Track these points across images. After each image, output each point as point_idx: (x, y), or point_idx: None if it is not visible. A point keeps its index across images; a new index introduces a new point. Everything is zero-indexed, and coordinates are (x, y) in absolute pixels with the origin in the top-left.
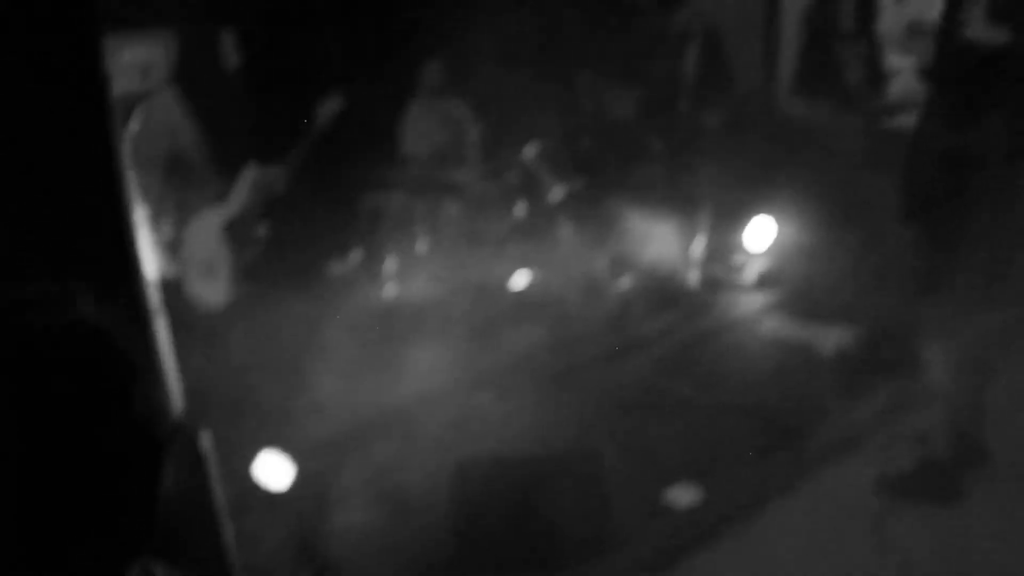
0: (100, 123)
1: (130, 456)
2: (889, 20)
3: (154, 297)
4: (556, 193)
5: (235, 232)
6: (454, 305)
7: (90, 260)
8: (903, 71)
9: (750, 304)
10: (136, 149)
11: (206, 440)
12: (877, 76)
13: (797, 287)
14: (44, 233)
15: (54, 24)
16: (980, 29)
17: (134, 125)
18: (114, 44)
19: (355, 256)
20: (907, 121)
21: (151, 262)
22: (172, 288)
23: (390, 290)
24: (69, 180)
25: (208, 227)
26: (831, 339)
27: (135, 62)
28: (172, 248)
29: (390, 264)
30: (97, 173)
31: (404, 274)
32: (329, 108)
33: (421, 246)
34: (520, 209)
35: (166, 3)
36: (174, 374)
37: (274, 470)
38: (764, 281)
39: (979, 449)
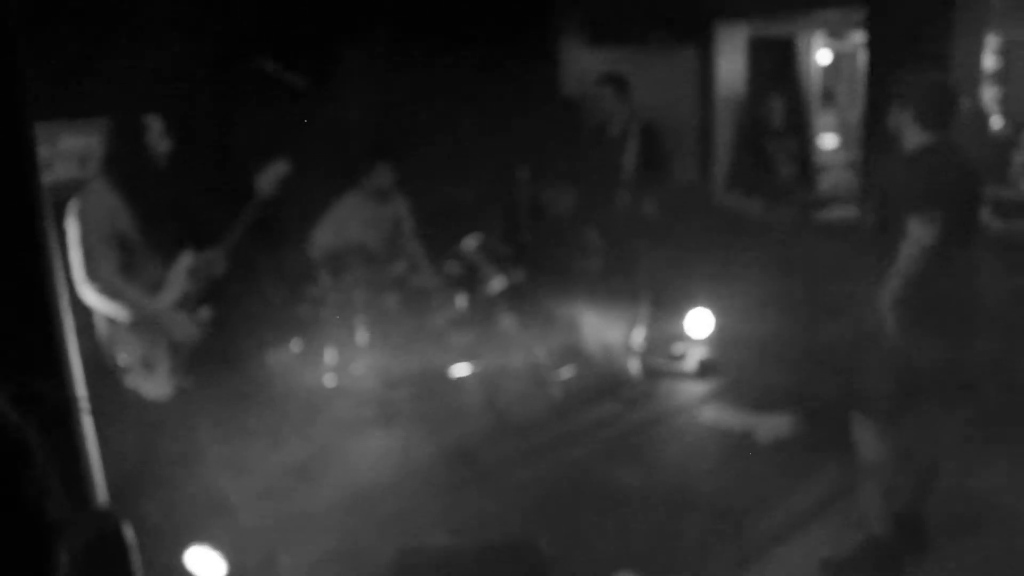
0: (28, 208)
1: (16, 540)
2: None
3: (75, 386)
4: (496, 285)
5: (176, 318)
6: (394, 396)
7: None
8: (833, 167)
9: (690, 393)
10: (84, 231)
11: (129, 531)
12: (808, 171)
13: (736, 375)
14: None
15: None
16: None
17: (74, 210)
18: (49, 132)
19: (295, 345)
20: (837, 213)
21: (75, 353)
22: (111, 378)
23: (330, 380)
24: None
25: (144, 319)
26: (770, 426)
27: (73, 150)
28: (111, 340)
29: (330, 354)
30: (20, 258)
31: (344, 364)
32: (272, 175)
33: (361, 337)
34: (461, 301)
35: (98, 91)
36: (96, 463)
37: (205, 563)
38: (704, 370)
39: (918, 530)
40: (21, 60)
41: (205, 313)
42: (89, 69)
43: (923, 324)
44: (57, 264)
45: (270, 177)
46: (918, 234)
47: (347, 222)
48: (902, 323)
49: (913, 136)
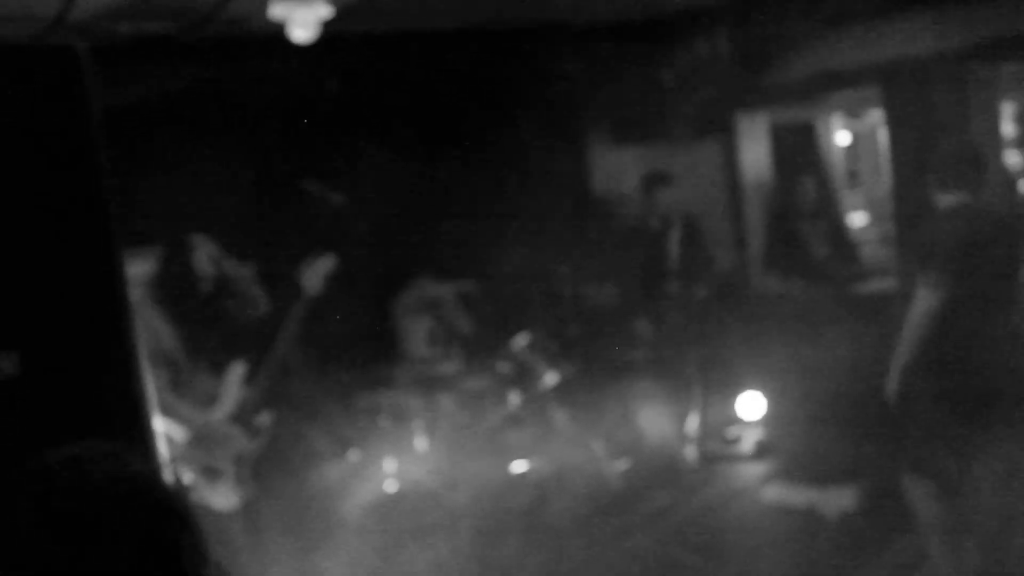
0: (118, 323)
1: None
2: None
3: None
4: (548, 380)
5: (232, 430)
6: (454, 499)
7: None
8: (866, 242)
9: (750, 474)
10: None
11: None
12: (844, 248)
13: (794, 453)
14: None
15: (76, 234)
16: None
17: None
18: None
19: (353, 455)
20: (876, 286)
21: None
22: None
23: (389, 486)
24: (92, 367)
25: (201, 433)
26: (834, 499)
27: (136, 276)
28: (173, 458)
29: (388, 462)
30: (115, 365)
31: (403, 470)
32: (318, 270)
33: (419, 442)
34: (514, 399)
35: (150, 218)
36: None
37: None
38: (761, 450)
39: None
40: (110, 194)
41: (264, 419)
42: (137, 197)
43: (930, 392)
44: (143, 365)
45: (316, 272)
46: (923, 298)
47: (413, 321)
48: (907, 390)
49: (940, 199)
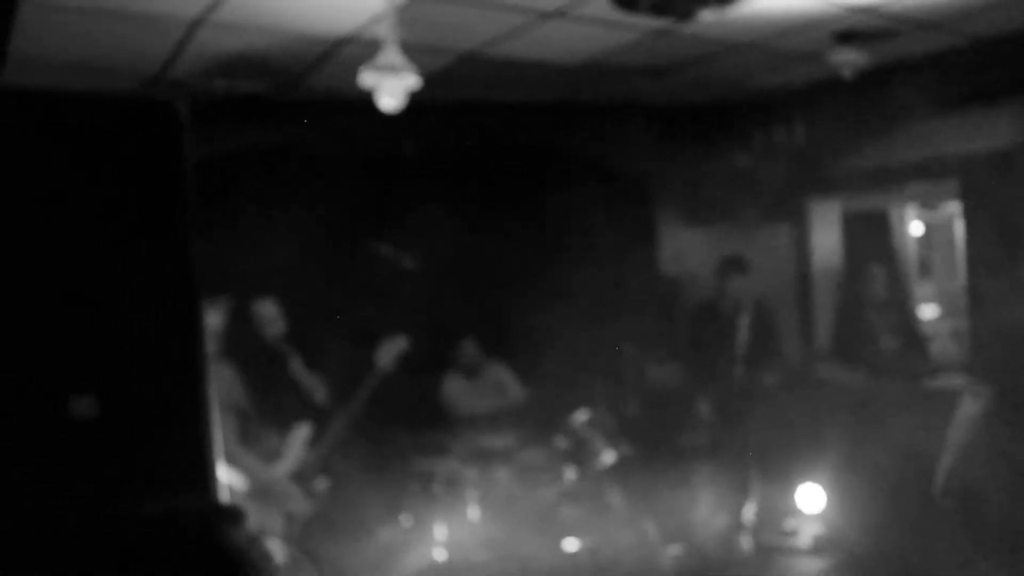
0: (193, 371)
1: None
2: None
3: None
4: (606, 458)
5: (291, 489)
6: (503, 570)
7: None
8: (936, 336)
9: (805, 570)
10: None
11: None
12: (915, 342)
13: (853, 551)
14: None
15: (158, 282)
16: None
17: None
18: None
19: (405, 520)
20: (944, 382)
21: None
22: None
23: (439, 554)
24: (165, 413)
25: (261, 487)
26: None
27: (211, 327)
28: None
29: (440, 529)
30: (187, 412)
31: (453, 539)
32: (391, 350)
33: (472, 511)
34: (570, 474)
35: (225, 273)
36: None
37: None
38: (818, 545)
39: None
40: (194, 246)
41: (321, 484)
42: (214, 249)
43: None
44: (214, 414)
45: (389, 352)
46: (967, 404)
47: (464, 395)
48: (953, 486)
49: None
